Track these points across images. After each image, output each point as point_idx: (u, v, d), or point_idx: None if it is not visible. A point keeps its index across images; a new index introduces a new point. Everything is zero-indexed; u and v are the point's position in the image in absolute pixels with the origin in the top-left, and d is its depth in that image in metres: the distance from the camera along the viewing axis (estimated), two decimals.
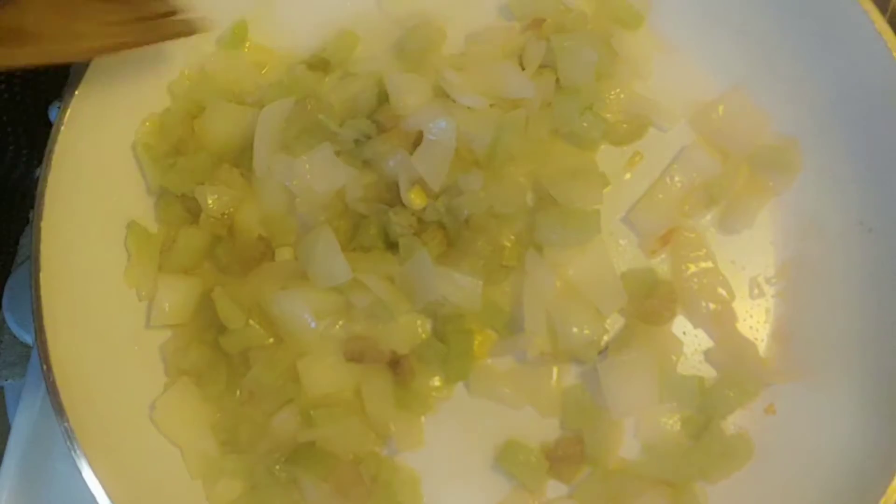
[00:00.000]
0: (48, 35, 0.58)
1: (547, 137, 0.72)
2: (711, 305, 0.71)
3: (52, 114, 0.75)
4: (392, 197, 0.69)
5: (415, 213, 0.68)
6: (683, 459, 0.68)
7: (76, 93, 0.65)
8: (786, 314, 0.73)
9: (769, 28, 0.73)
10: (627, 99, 0.75)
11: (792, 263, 0.73)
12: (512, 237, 0.70)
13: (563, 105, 0.72)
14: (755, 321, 0.73)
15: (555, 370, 0.70)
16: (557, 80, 0.73)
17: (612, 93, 0.75)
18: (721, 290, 0.72)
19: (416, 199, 0.68)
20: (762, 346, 0.72)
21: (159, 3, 0.65)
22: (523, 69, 0.73)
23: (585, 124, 0.72)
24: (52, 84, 0.81)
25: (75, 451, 0.59)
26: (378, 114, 0.71)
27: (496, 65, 0.73)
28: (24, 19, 0.57)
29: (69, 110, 0.64)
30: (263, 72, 0.76)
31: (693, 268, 0.72)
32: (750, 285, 0.73)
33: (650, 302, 0.70)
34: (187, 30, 0.66)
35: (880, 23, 0.66)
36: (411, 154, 0.68)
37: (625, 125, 0.75)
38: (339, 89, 0.73)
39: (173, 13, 0.65)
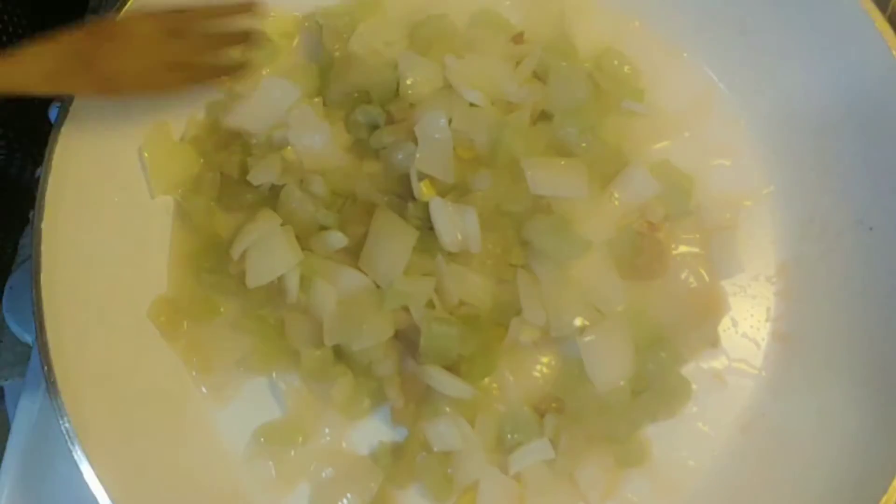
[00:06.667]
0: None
1: (543, 151, 0.72)
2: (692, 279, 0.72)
3: (52, 114, 0.75)
4: (404, 189, 0.70)
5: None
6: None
7: None
8: (786, 314, 0.73)
9: (769, 28, 0.73)
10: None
11: (792, 263, 0.73)
12: (520, 235, 0.70)
13: (562, 124, 0.72)
14: (755, 321, 0.73)
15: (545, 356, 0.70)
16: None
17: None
18: (703, 272, 0.72)
19: (426, 191, 0.68)
20: (762, 346, 0.72)
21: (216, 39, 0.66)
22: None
23: (584, 144, 0.72)
24: None
25: (75, 451, 0.59)
26: (392, 104, 0.71)
27: (493, 61, 0.73)
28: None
29: (69, 110, 0.64)
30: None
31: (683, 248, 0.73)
32: (750, 285, 0.73)
33: (641, 259, 0.71)
34: (237, 68, 0.67)
35: (880, 22, 0.66)
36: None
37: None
38: (357, 73, 0.73)
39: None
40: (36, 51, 0.57)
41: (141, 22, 0.62)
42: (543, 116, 0.73)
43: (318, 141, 0.71)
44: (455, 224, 0.67)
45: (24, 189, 0.83)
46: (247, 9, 0.67)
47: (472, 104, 0.71)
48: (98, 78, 0.59)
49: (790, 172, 0.74)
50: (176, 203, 0.72)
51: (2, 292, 0.76)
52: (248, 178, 0.69)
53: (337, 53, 0.73)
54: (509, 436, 0.68)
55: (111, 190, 0.69)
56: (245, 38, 0.67)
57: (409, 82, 0.71)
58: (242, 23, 0.67)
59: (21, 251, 0.79)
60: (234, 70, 0.68)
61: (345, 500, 0.67)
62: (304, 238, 0.69)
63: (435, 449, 0.67)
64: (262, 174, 0.69)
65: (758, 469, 0.69)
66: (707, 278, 0.73)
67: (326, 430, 0.69)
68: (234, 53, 0.68)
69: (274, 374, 0.70)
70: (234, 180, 0.71)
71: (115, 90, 0.62)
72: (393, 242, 0.67)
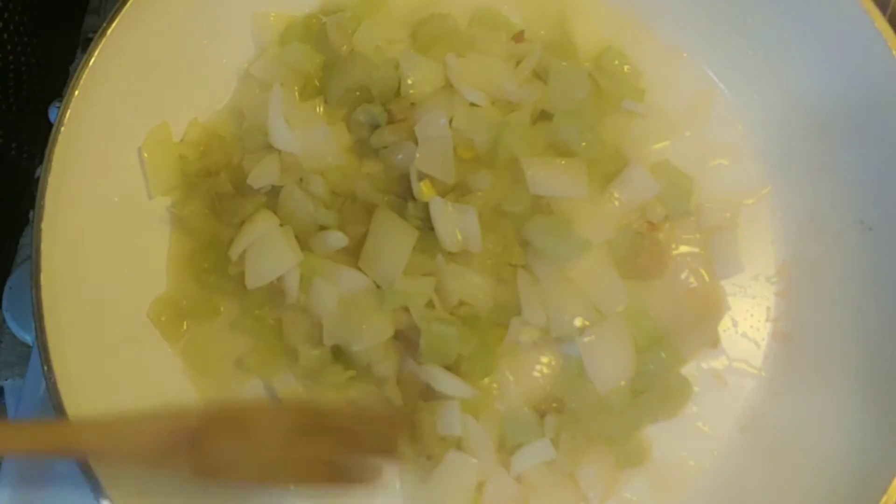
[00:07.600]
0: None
1: (543, 151, 0.72)
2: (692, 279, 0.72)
3: (52, 114, 0.75)
4: (404, 189, 0.70)
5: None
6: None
7: (76, 93, 0.65)
8: (786, 314, 0.73)
9: (769, 28, 0.73)
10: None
11: (792, 263, 0.73)
12: (520, 235, 0.70)
13: (562, 124, 0.72)
14: (755, 321, 0.73)
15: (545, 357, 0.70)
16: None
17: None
18: (703, 272, 0.72)
19: (426, 191, 0.68)
20: (762, 346, 0.72)
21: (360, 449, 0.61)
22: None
23: (584, 144, 0.71)
24: (52, 84, 0.81)
25: None
26: (393, 103, 0.71)
27: (494, 61, 0.73)
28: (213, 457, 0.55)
29: (69, 110, 0.64)
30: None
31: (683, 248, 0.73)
32: (750, 285, 0.73)
33: (640, 259, 0.71)
34: (368, 478, 0.61)
35: (880, 22, 0.66)
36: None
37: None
38: (360, 71, 0.73)
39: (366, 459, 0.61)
40: (140, 422, 0.55)
41: (268, 415, 0.59)
42: (543, 116, 0.73)
43: (317, 140, 0.71)
44: (455, 224, 0.67)
45: (24, 189, 0.83)
46: (395, 424, 0.64)
47: (472, 104, 0.71)
48: (204, 463, 0.56)
49: (790, 172, 0.74)
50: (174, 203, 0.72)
51: (2, 292, 0.76)
52: (248, 181, 0.69)
53: (344, 48, 0.73)
54: (509, 436, 0.68)
55: (111, 190, 0.68)
56: (387, 450, 0.63)
57: (410, 81, 0.71)
58: (387, 433, 0.63)
59: (21, 251, 0.79)
60: (366, 479, 0.61)
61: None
62: (304, 238, 0.69)
63: (439, 433, 0.67)
64: (262, 176, 0.69)
65: (758, 469, 0.69)
66: (707, 278, 0.73)
67: None
68: (371, 462, 0.63)
69: (273, 376, 0.70)
70: (229, 195, 0.71)
71: (221, 476, 0.58)
72: (393, 242, 0.67)
